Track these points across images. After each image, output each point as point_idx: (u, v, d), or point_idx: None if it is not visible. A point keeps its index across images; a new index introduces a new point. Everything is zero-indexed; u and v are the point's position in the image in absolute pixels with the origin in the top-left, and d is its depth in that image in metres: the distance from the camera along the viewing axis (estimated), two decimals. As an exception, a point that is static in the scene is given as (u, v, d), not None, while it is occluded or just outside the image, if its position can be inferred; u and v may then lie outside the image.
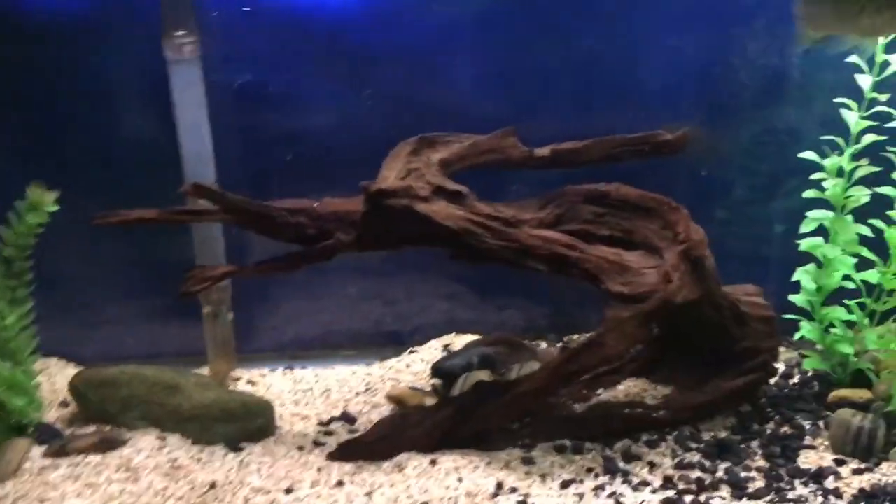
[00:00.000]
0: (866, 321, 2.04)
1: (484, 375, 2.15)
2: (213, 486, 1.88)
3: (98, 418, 2.15)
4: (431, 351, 2.50)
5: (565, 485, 1.81)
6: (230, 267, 2.00)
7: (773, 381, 2.24)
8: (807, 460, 1.89)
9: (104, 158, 2.30)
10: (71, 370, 2.38)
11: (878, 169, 1.97)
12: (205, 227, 2.26)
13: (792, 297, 2.09)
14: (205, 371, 2.39)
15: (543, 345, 2.50)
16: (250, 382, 2.41)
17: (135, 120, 2.29)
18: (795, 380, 2.23)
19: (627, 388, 2.09)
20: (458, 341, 2.51)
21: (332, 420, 2.18)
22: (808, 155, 2.00)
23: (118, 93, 2.26)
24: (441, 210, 1.90)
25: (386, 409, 2.21)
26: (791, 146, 2.05)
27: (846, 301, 2.05)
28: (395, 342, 2.61)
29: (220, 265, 2.02)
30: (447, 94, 2.36)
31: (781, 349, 2.41)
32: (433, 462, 1.89)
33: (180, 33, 2.13)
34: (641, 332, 1.88)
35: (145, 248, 2.41)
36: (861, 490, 1.77)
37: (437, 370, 2.24)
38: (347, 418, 2.19)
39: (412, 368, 2.41)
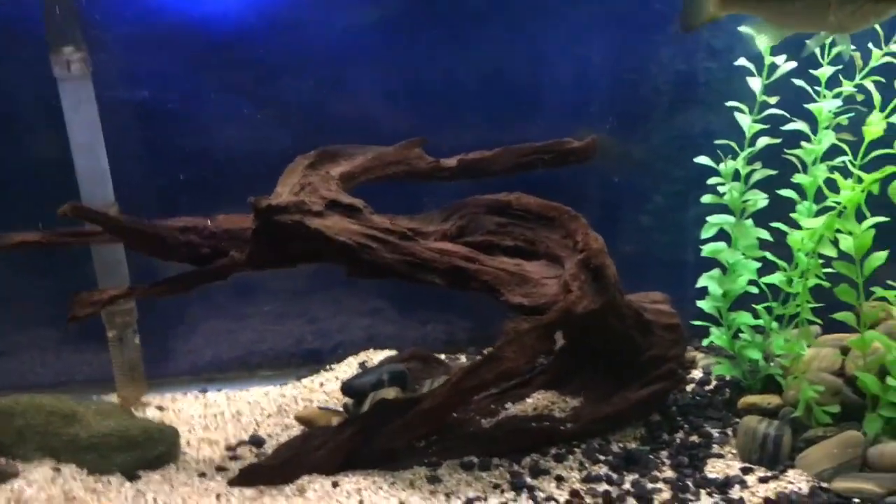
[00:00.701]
0: (774, 325, 2.02)
1: (393, 393, 2.11)
2: (106, 516, 1.81)
3: (-6, 449, 2.07)
4: (348, 368, 2.45)
5: (470, 502, 1.77)
6: (118, 289, 1.93)
7: (689, 388, 2.22)
8: (714, 469, 1.86)
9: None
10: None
11: (773, 172, 1.96)
12: (107, 250, 2.20)
13: (700, 303, 2.07)
14: (113, 397, 2.32)
15: (463, 359, 2.46)
16: (160, 408, 2.33)
17: (28, 140, 2.22)
18: (711, 386, 2.21)
19: (537, 401, 2.05)
20: (376, 358, 2.46)
21: (239, 444, 2.11)
22: (703, 160, 1.98)
23: (9, 112, 2.19)
24: (334, 225, 1.85)
25: (296, 431, 2.15)
26: (699, 151, 2.03)
27: (754, 305, 2.03)
28: (314, 361, 2.56)
29: (106, 289, 1.94)
30: (353, 105, 2.32)
31: (701, 355, 2.41)
32: (335, 484, 1.83)
33: (68, 49, 2.07)
34: (542, 343, 1.84)
35: (51, 272, 2.34)
36: (766, 499, 1.74)
37: (346, 389, 2.18)
38: (256, 441, 2.12)
39: (326, 387, 2.35)
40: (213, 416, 2.27)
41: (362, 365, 2.44)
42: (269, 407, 2.29)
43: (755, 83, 1.91)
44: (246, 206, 1.96)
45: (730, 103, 1.95)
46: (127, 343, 2.31)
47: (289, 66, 2.25)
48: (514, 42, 2.30)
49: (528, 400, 2.05)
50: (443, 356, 2.46)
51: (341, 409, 2.18)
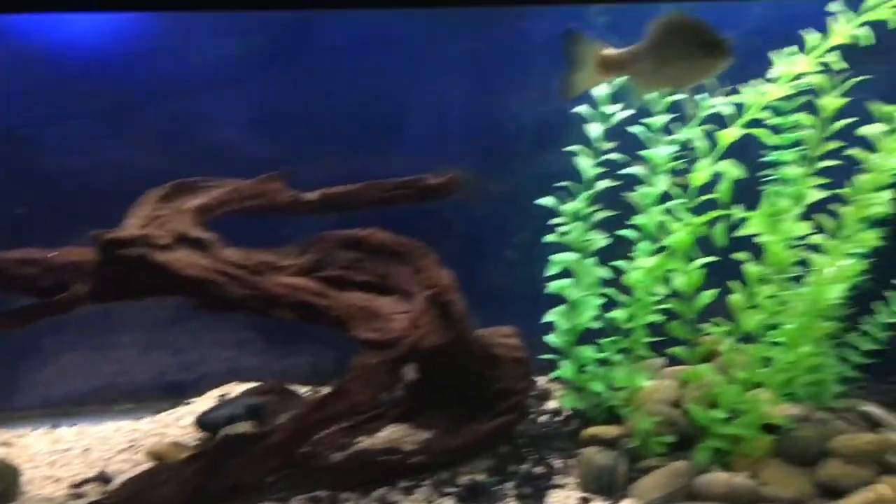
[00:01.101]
0: (619, 357, 2.11)
1: (247, 427, 2.09)
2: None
3: None
4: (207, 402, 2.41)
5: (315, 538, 1.77)
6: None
7: (543, 419, 2.29)
8: (555, 499, 1.92)
9: None
10: None
11: (614, 213, 2.06)
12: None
13: (547, 338, 2.14)
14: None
15: (325, 391, 2.46)
16: (5, 444, 2.24)
17: None
18: (562, 417, 2.28)
19: (389, 434, 2.07)
20: (237, 390, 2.43)
21: (85, 482, 2.05)
22: (547, 201, 2.07)
23: None
24: (181, 259, 1.83)
25: (145, 466, 2.10)
26: (552, 190, 2.12)
27: (598, 340, 2.12)
28: (175, 394, 2.50)
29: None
30: (215, 136, 2.31)
31: (558, 386, 2.48)
32: (179, 521, 1.80)
33: None
34: (390, 378, 1.87)
35: None
36: (601, 527, 1.81)
37: (201, 423, 2.15)
38: (103, 478, 2.06)
39: (182, 422, 2.31)
40: (61, 453, 2.20)
41: (222, 398, 2.40)
42: (121, 442, 2.23)
43: (594, 129, 2.01)
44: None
45: (570, 147, 2.04)
46: (-32, 377, 2.22)
47: (149, 94, 2.22)
48: (381, 79, 2.34)
49: (381, 433, 2.07)
50: (306, 388, 2.46)
51: (195, 444, 2.15)
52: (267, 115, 2.33)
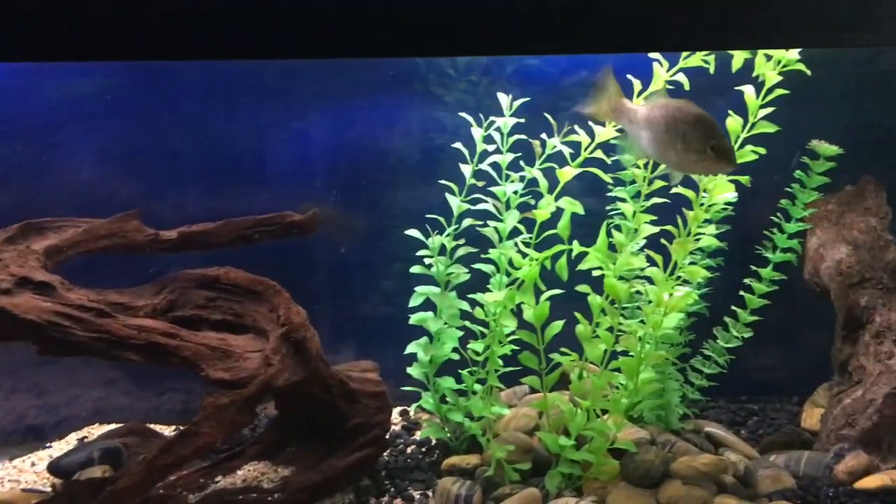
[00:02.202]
0: (478, 387, 2.17)
1: (102, 471, 2.05)
2: None
3: None
4: (67, 445, 2.35)
5: (165, 584, 1.75)
6: None
7: (409, 449, 2.32)
8: (412, 530, 1.96)
9: None
10: None
11: (474, 249, 2.13)
12: None
13: (409, 370, 2.18)
14: None
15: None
16: None
17: None
18: (426, 448, 2.32)
19: (248, 472, 2.06)
20: (99, 433, 2.38)
21: (-72, 535, 1.98)
22: (413, 233, 2.12)
23: None
24: (23, 303, 1.79)
25: (-5, 517, 2.04)
26: (418, 224, 2.18)
27: (459, 371, 2.18)
28: (35, 438, 2.43)
29: None
30: (71, 176, 2.28)
31: (425, 417, 2.52)
32: (21, 574, 1.75)
33: None
34: (242, 417, 1.87)
35: None
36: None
37: (54, 468, 2.09)
38: (-55, 533, 1.99)
39: (38, 467, 2.24)
40: None
41: (82, 441, 2.35)
42: (-29, 491, 2.16)
43: (466, 169, 2.09)
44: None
45: (442, 181, 2.10)
46: None
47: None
48: (241, 117, 2.36)
49: (239, 472, 2.05)
50: (173, 429, 2.42)
51: (49, 491, 2.09)
52: (126, 155, 2.31)
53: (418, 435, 2.39)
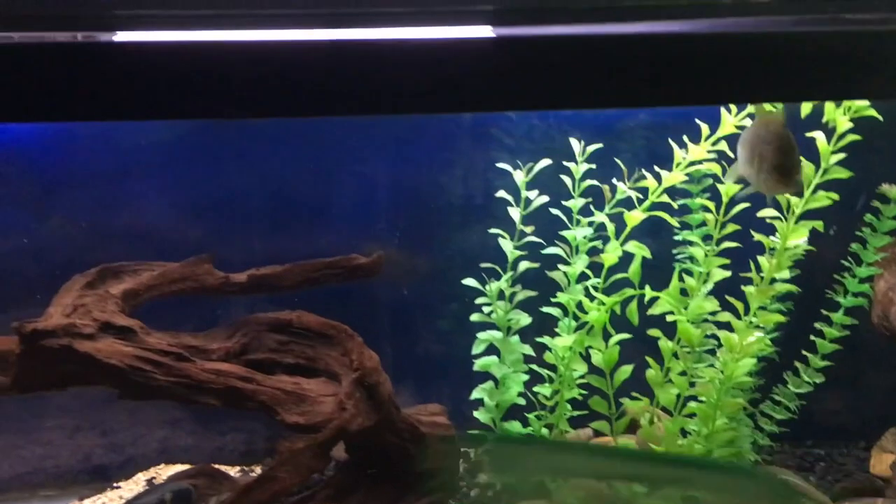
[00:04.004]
0: (545, 432, 2.17)
1: (174, 513, 2.07)
2: None
3: None
4: (135, 486, 2.37)
5: None
6: None
7: (474, 493, 2.32)
8: (484, 577, 1.95)
9: None
10: None
11: (534, 293, 2.14)
12: None
13: (476, 414, 2.19)
14: None
15: (258, 471, 2.45)
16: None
17: None
18: (493, 492, 2.32)
19: (320, 516, 2.08)
20: (166, 473, 2.40)
21: (6, 575, 2.01)
22: (470, 282, 2.14)
23: None
24: (106, 348, 1.84)
25: (70, 558, 2.07)
26: (477, 269, 2.20)
27: (525, 414, 2.18)
28: (102, 478, 2.45)
29: None
30: (141, 221, 2.33)
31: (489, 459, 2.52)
32: None
33: None
34: (317, 462, 1.88)
35: None
36: None
37: (127, 510, 2.13)
38: (25, 571, 2.02)
39: (108, 508, 2.28)
40: (-19, 544, 2.15)
41: (150, 482, 2.37)
42: (44, 532, 2.19)
43: (514, 213, 2.11)
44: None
45: (492, 230, 2.13)
46: None
47: (72, 180, 2.24)
48: (306, 163, 2.40)
49: (313, 515, 2.07)
50: (237, 469, 2.44)
51: (122, 532, 2.12)
52: (195, 200, 2.36)
53: (481, 478, 2.38)
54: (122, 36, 1.58)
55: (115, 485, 2.41)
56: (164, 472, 2.43)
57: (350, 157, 2.40)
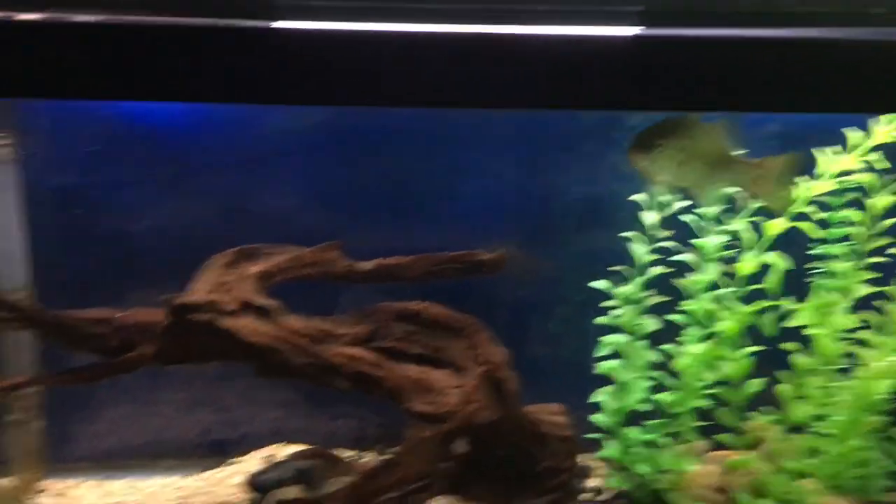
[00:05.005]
0: (667, 440, 2.14)
1: (296, 492, 2.12)
2: None
3: None
4: (252, 462, 2.45)
5: None
6: (22, 377, 1.93)
7: (582, 496, 2.30)
8: (600, 581, 1.94)
9: None
10: None
11: (666, 299, 2.11)
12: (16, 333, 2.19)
13: (594, 417, 2.17)
14: (9, 481, 2.26)
15: (369, 457, 2.49)
16: (59, 495, 2.29)
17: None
18: (605, 497, 2.30)
19: (437, 506, 2.11)
20: (282, 452, 2.47)
21: (135, 538, 2.10)
22: (600, 284, 2.12)
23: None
24: (246, 326, 1.90)
25: (196, 526, 2.15)
26: (598, 270, 2.19)
27: (645, 421, 2.15)
28: (219, 452, 2.54)
29: (14, 376, 1.95)
30: (276, 205, 2.40)
31: (600, 465, 2.50)
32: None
33: (-2, 135, 2.11)
34: (441, 451, 1.90)
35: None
36: None
37: (251, 484, 2.18)
38: (152, 536, 2.11)
39: (229, 481, 2.35)
40: (111, 507, 2.25)
41: (267, 459, 2.44)
42: (170, 499, 2.27)
43: (649, 217, 2.08)
44: (156, 300, 2.02)
45: (625, 234, 2.11)
46: (27, 427, 2.29)
47: (213, 162, 2.32)
48: (435, 157, 2.43)
49: (429, 504, 2.09)
50: (350, 453, 2.49)
51: (245, 505, 2.19)
52: (326, 188, 2.42)
53: (589, 483, 2.37)
54: (281, 24, 1.64)
55: (232, 460, 2.49)
56: (279, 451, 2.50)
57: (479, 154, 2.43)
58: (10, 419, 2.26)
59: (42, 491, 2.30)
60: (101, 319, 1.92)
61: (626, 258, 2.19)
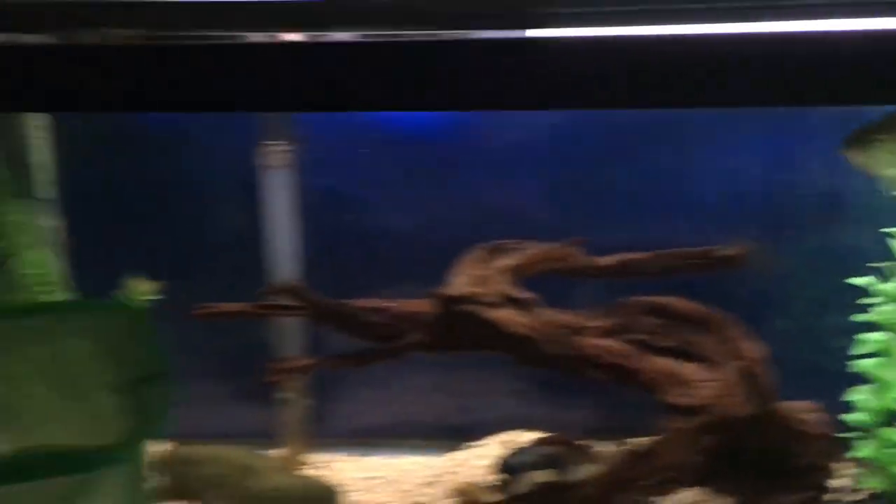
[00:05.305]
0: (926, 443, 2.05)
1: (547, 475, 2.23)
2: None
3: (183, 494, 2.30)
4: (492, 446, 2.58)
5: (619, 591, 1.87)
6: (312, 359, 2.17)
7: (833, 496, 2.25)
8: (864, 583, 1.90)
9: (197, 254, 2.53)
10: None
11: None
12: (287, 319, 2.45)
13: (848, 416, 2.12)
14: (276, 453, 2.53)
15: (596, 447, 2.56)
16: (319, 467, 2.54)
17: (232, 217, 2.52)
18: (856, 497, 2.23)
19: (683, 497, 2.13)
20: (520, 439, 2.59)
21: (398, 510, 2.30)
22: (859, 281, 2.07)
23: (220, 192, 2.50)
24: (507, 317, 2.02)
25: (450, 502, 2.30)
26: (841, 265, 2.13)
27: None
28: (458, 436, 2.71)
29: (303, 357, 2.19)
30: (522, 203, 2.52)
31: (846, 465, 2.43)
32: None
33: (275, 143, 2.36)
34: (697, 443, 1.94)
35: (228, 332, 2.60)
36: None
37: (502, 466, 2.31)
38: (413, 510, 2.30)
39: (473, 462, 2.50)
40: (370, 480, 2.46)
41: (506, 444, 2.57)
42: (422, 476, 2.46)
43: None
44: (417, 291, 2.19)
45: (885, 229, 2.04)
46: (296, 404, 2.55)
47: (466, 162, 2.47)
48: (672, 154, 2.46)
49: (675, 495, 2.13)
50: (583, 443, 2.57)
51: (492, 486, 2.32)
52: (568, 186, 2.51)
53: (832, 483, 2.31)
54: (536, 32, 1.74)
55: (472, 444, 2.65)
56: (516, 437, 2.63)
57: (720, 150, 2.43)
58: (283, 398, 2.53)
59: (306, 463, 2.55)
60: (377, 309, 2.12)
61: (871, 254, 2.12)
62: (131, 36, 1.78)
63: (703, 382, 2.00)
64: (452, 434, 2.72)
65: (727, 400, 1.93)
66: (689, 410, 1.94)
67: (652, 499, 2.12)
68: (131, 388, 1.78)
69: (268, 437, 2.55)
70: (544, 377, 2.76)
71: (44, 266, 2.00)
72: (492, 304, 2.04)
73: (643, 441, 2.12)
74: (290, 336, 2.48)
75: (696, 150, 2.45)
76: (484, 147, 2.45)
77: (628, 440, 2.57)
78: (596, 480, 1.99)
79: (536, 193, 2.51)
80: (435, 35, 1.72)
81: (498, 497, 2.22)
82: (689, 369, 2.03)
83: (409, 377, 2.75)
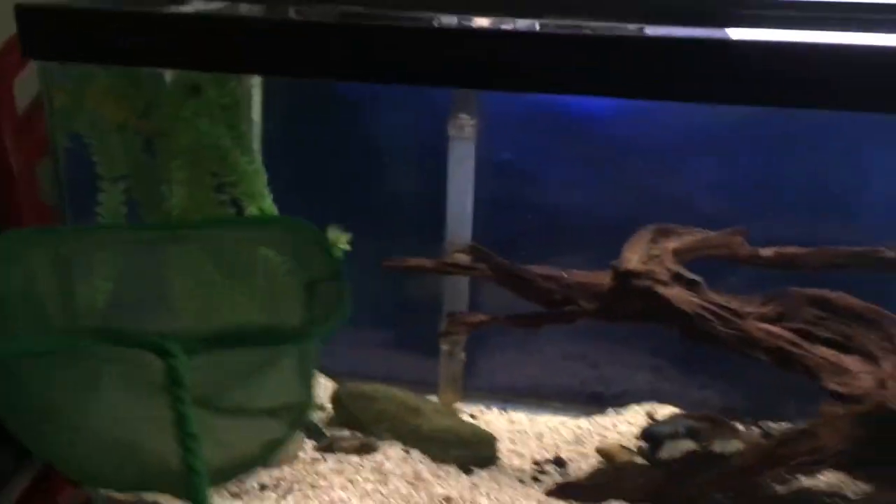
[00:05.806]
0: None
1: (689, 445, 2.38)
2: (448, 499, 2.22)
3: (352, 425, 2.56)
4: (634, 415, 2.74)
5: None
6: (486, 316, 2.38)
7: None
8: None
9: (383, 210, 2.76)
10: (322, 380, 2.80)
11: None
12: (458, 279, 2.66)
13: None
14: (434, 399, 2.76)
15: (739, 426, 2.69)
16: (472, 416, 2.75)
17: (417, 183, 2.74)
18: None
19: (828, 479, 2.26)
20: (661, 410, 2.74)
21: (544, 461, 2.48)
22: None
23: (408, 159, 2.72)
24: (677, 295, 2.18)
25: (594, 461, 2.48)
26: None
27: None
28: (597, 403, 2.88)
29: (477, 313, 2.40)
30: (685, 189, 2.65)
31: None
32: (641, 514, 2.14)
33: (463, 116, 2.56)
34: (852, 430, 2.06)
35: (400, 286, 2.83)
36: None
37: (646, 434, 2.47)
38: (558, 463, 2.48)
39: (618, 428, 2.67)
40: (517, 433, 2.66)
41: (649, 414, 2.73)
42: (567, 435, 2.64)
43: None
44: (580, 264, 2.37)
45: None
46: (455, 357, 2.77)
47: (636, 148, 2.61)
48: (838, 154, 2.53)
49: (820, 476, 2.26)
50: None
51: (636, 451, 2.49)
52: (732, 179, 2.63)
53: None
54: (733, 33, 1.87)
55: (611, 411, 2.81)
56: (658, 409, 2.78)
57: (884, 152, 2.50)
58: (444, 349, 2.75)
59: (459, 412, 2.76)
60: (551, 276, 2.30)
61: None
62: (347, 13, 2.01)
63: (861, 373, 2.11)
64: (590, 401, 2.89)
65: (885, 392, 2.04)
66: (848, 398, 2.06)
67: (792, 476, 2.26)
68: (311, 288, 2.03)
69: (425, 385, 2.78)
70: (681, 356, 2.91)
71: (271, 213, 2.25)
72: (664, 282, 2.20)
73: (787, 425, 2.25)
74: (457, 294, 2.69)
75: (868, 151, 2.51)
76: (657, 135, 2.58)
77: (764, 423, 2.71)
78: (748, 454, 2.13)
79: (704, 183, 2.63)
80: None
81: (639, 460, 2.39)
82: (848, 360, 2.14)
83: (552, 344, 2.93)
